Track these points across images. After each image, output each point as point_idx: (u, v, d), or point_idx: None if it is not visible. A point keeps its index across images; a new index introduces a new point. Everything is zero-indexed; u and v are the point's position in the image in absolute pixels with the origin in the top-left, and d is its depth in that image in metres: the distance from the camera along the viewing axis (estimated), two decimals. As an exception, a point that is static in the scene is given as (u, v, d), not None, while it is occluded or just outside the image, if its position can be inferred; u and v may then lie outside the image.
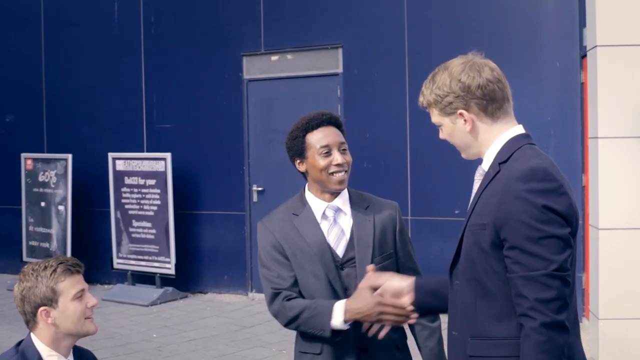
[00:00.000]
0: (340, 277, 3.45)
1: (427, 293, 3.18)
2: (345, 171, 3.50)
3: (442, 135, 2.92)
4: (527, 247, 2.57)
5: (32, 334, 3.12)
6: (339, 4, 10.15)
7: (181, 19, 11.19)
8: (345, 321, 3.32)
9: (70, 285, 3.08)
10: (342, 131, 3.57)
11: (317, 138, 3.49)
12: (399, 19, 9.72)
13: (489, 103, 2.77)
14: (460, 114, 2.80)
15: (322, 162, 3.46)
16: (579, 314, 8.69)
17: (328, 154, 3.47)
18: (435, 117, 2.88)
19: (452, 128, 2.85)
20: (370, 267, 3.34)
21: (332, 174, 3.47)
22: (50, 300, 3.05)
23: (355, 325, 3.35)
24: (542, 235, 2.57)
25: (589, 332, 7.85)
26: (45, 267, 3.08)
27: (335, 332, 3.35)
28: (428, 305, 3.20)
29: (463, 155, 2.94)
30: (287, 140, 3.57)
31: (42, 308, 3.05)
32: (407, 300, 3.19)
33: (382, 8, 9.87)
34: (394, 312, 3.22)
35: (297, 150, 3.53)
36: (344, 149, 3.52)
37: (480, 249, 2.70)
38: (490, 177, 2.74)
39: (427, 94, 2.86)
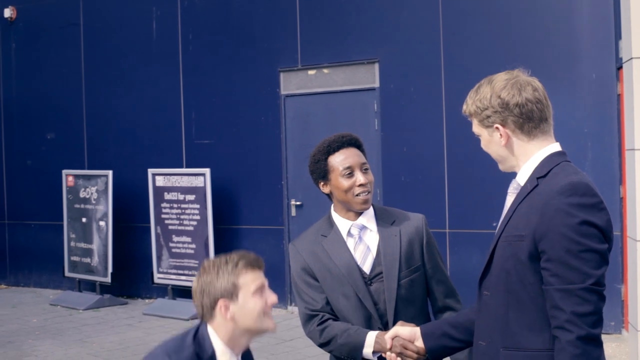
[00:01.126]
0: (369, 293, 3.53)
1: (439, 337, 3.26)
2: (369, 191, 3.56)
3: (482, 145, 2.99)
4: (566, 259, 2.61)
5: (209, 326, 2.99)
6: (375, 19, 10.20)
7: (219, 36, 11.31)
8: (374, 352, 3.41)
9: (251, 280, 2.95)
10: (362, 151, 3.64)
11: (339, 160, 3.56)
12: (435, 34, 9.76)
13: (525, 121, 2.82)
14: (497, 128, 2.86)
15: (346, 183, 3.53)
16: (618, 325, 8.66)
17: (351, 175, 3.53)
18: (476, 127, 2.94)
19: (489, 140, 2.92)
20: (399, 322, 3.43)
21: (357, 195, 3.53)
22: (231, 294, 2.92)
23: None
24: (582, 249, 2.60)
25: (628, 343, 7.81)
26: (227, 261, 2.97)
27: None
28: (443, 348, 3.28)
29: (500, 167, 2.99)
30: (310, 164, 3.65)
31: (221, 301, 2.92)
32: (421, 344, 3.28)
33: (418, 23, 9.91)
34: (414, 350, 3.29)
35: (320, 173, 3.61)
36: (366, 169, 3.58)
37: (516, 260, 2.74)
38: (528, 191, 2.78)
39: (470, 104, 2.93)
